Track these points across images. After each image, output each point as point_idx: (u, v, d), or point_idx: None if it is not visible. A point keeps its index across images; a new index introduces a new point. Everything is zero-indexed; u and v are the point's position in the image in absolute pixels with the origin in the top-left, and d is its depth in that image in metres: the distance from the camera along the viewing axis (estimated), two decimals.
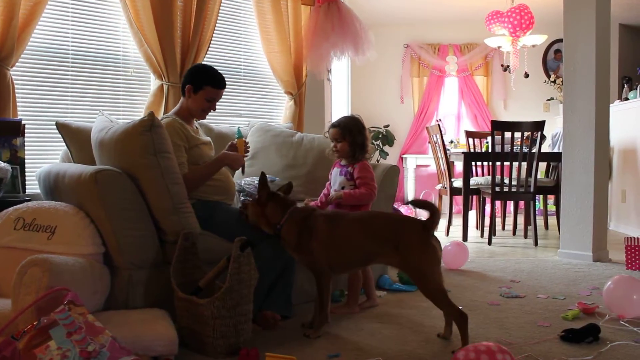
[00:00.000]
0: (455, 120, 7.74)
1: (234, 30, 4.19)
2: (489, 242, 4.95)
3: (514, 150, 4.88)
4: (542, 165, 5.57)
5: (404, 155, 7.57)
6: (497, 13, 5.87)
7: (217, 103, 2.96)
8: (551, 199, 6.38)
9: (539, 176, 5.01)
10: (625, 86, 6.21)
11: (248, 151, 3.01)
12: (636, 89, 5.81)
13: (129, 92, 3.61)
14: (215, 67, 2.92)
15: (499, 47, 6.26)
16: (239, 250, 2.23)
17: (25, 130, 3.00)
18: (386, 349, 2.31)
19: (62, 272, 2.06)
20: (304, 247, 2.47)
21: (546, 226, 5.96)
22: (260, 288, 2.48)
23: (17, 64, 3.03)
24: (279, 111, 4.47)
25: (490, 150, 4.91)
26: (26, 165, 2.97)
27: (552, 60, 7.67)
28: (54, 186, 2.68)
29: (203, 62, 3.76)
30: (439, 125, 5.51)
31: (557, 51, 7.55)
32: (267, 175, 2.59)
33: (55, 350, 1.75)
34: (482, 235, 5.26)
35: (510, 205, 6.23)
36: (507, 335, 2.47)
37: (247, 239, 2.28)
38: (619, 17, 6.78)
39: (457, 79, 7.68)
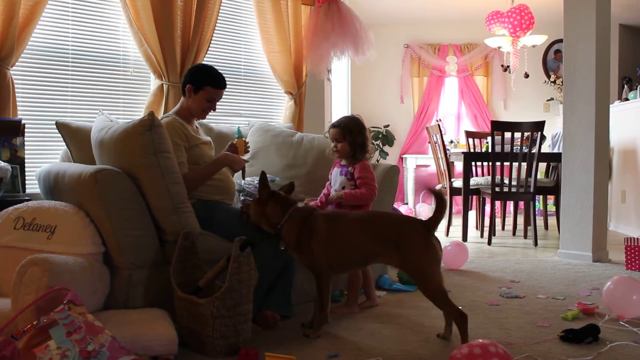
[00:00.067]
0: (455, 120, 7.74)
1: (234, 30, 4.19)
2: (489, 242, 4.96)
3: (514, 151, 4.88)
4: (542, 166, 5.57)
5: (404, 155, 7.57)
6: (497, 13, 5.87)
7: (217, 103, 2.96)
8: (551, 199, 6.38)
9: (538, 176, 5.01)
10: (625, 86, 6.21)
11: (248, 151, 3.01)
12: (636, 89, 5.82)
13: (129, 92, 3.61)
14: (215, 67, 2.92)
15: (499, 48, 6.26)
16: (238, 250, 2.23)
17: (25, 130, 3.00)
18: (386, 349, 2.31)
19: (62, 271, 2.06)
20: (304, 247, 2.47)
21: (546, 226, 5.96)
22: (260, 288, 2.48)
23: (17, 63, 3.03)
24: (279, 111, 4.47)
25: (490, 150, 4.91)
26: (26, 164, 2.97)
27: (552, 60, 7.68)
28: (54, 186, 2.68)
29: (203, 62, 3.75)
30: (439, 125, 5.51)
31: (557, 51, 7.56)
32: (267, 175, 2.59)
33: (55, 350, 1.75)
34: (481, 236, 5.27)
35: (510, 205, 6.23)
36: (506, 336, 2.47)
37: (247, 239, 2.28)
38: (619, 17, 6.78)
39: (457, 79, 7.68)
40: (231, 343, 2.24)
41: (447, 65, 7.62)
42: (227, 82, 2.93)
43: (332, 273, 2.52)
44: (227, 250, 2.33)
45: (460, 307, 2.32)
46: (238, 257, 2.23)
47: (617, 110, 5.73)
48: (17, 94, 3.03)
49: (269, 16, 4.22)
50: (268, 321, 2.55)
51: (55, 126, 2.93)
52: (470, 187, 5.25)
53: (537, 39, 6.02)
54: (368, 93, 7.50)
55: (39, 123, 3.22)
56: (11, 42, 2.92)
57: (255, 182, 3.24)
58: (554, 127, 6.77)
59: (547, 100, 7.52)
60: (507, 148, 4.84)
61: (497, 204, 5.92)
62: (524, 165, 4.85)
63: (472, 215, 5.91)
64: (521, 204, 6.12)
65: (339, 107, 6.23)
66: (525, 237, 5.28)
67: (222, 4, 3.90)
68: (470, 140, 5.98)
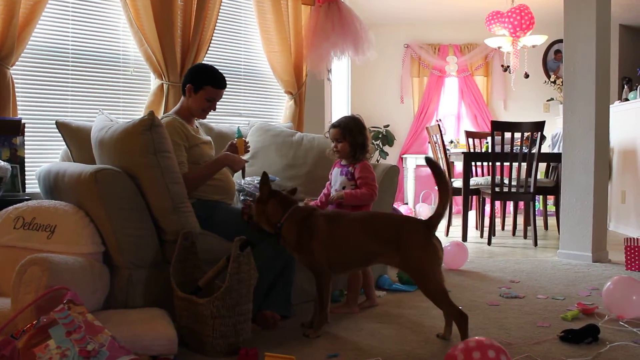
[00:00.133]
0: (455, 120, 7.74)
1: (234, 30, 4.19)
2: (489, 243, 4.96)
3: (514, 151, 4.88)
4: (542, 166, 5.57)
5: (404, 155, 7.57)
6: (497, 13, 5.87)
7: (218, 103, 2.96)
8: (551, 199, 6.38)
9: (538, 176, 5.02)
10: (625, 87, 6.21)
11: (248, 151, 3.01)
12: (636, 89, 5.82)
13: (129, 92, 3.61)
14: (215, 67, 2.92)
15: (499, 48, 6.26)
16: (238, 250, 2.23)
17: (25, 129, 3.00)
18: (385, 349, 2.31)
19: (62, 271, 2.06)
20: (304, 247, 2.47)
21: (546, 226, 5.96)
22: (260, 288, 2.48)
23: (17, 63, 3.03)
24: (279, 111, 4.47)
25: (490, 150, 4.91)
26: (26, 164, 2.96)
27: (552, 60, 7.68)
28: (54, 185, 2.68)
29: (204, 62, 3.75)
30: (438, 125, 5.51)
31: (557, 52, 7.56)
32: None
33: (55, 350, 1.75)
34: (481, 236, 5.26)
35: (510, 205, 6.23)
36: (506, 336, 2.47)
37: (247, 239, 2.28)
38: (619, 17, 6.78)
39: (457, 79, 7.68)
40: (231, 343, 2.24)
41: (447, 65, 7.62)
42: (227, 82, 2.93)
43: (332, 273, 2.52)
44: (227, 250, 2.33)
45: (460, 307, 2.32)
46: (238, 257, 2.23)
47: (617, 111, 5.73)
48: (17, 94, 3.03)
49: (269, 16, 4.22)
50: (268, 321, 2.55)
51: (55, 126, 2.93)
52: (470, 187, 5.25)
53: (537, 39, 6.02)
54: (368, 93, 7.49)
55: (39, 122, 3.22)
56: (11, 41, 2.92)
57: (255, 182, 3.24)
58: (554, 127, 6.77)
59: (547, 101, 7.52)
60: (507, 148, 4.84)
61: (497, 204, 5.93)
62: (524, 165, 4.85)
63: (472, 215, 5.91)
64: (521, 204, 6.13)
65: (339, 107, 6.22)
66: (525, 237, 5.28)
67: (222, 4, 3.90)
68: (470, 140, 5.98)
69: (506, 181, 4.92)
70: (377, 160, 6.91)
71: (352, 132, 2.79)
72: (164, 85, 3.56)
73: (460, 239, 4.96)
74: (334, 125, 2.84)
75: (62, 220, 2.39)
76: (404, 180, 7.43)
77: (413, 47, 7.64)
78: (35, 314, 1.88)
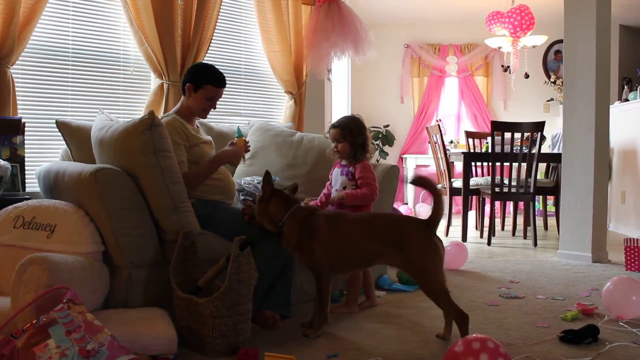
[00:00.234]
0: (455, 120, 7.74)
1: (235, 30, 4.19)
2: (489, 243, 4.96)
3: (514, 151, 4.88)
4: (542, 166, 5.57)
5: (404, 155, 7.57)
6: (497, 13, 5.88)
7: (217, 102, 2.96)
8: (551, 199, 6.38)
9: (538, 177, 5.02)
10: (625, 87, 6.21)
11: (248, 150, 3.01)
12: (636, 90, 5.82)
13: (129, 91, 3.61)
14: (215, 66, 2.92)
15: (499, 48, 6.27)
16: (238, 250, 2.23)
17: (25, 129, 2.99)
18: (385, 349, 2.31)
19: (62, 270, 2.06)
20: (304, 247, 2.47)
21: (545, 227, 5.96)
22: (260, 287, 2.48)
23: (17, 62, 3.03)
24: (279, 111, 4.47)
25: (490, 150, 4.91)
26: (26, 163, 2.96)
27: (552, 61, 7.68)
28: (54, 184, 2.68)
29: (203, 61, 3.75)
30: (438, 125, 5.51)
31: (558, 52, 7.56)
32: None
33: (54, 349, 1.75)
34: (481, 236, 5.27)
35: (510, 205, 6.23)
36: (506, 336, 2.47)
37: (247, 239, 2.28)
38: (619, 18, 6.78)
39: (457, 79, 7.68)
40: (230, 342, 2.24)
41: (447, 66, 7.62)
42: (227, 82, 2.93)
43: (333, 273, 2.52)
44: (227, 249, 2.33)
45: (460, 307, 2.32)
46: (238, 257, 2.23)
47: (617, 111, 5.73)
48: (17, 93, 3.03)
49: (270, 16, 4.22)
50: (267, 321, 2.55)
51: (55, 125, 2.93)
52: (470, 188, 5.25)
53: (537, 40, 6.02)
54: (368, 93, 7.50)
55: (39, 122, 3.22)
56: (11, 40, 2.91)
57: (255, 181, 3.24)
58: (554, 128, 6.77)
59: (547, 101, 7.52)
60: (507, 148, 4.84)
61: (497, 204, 5.93)
62: (524, 165, 4.85)
63: (471, 215, 5.91)
64: (521, 204, 6.13)
65: (339, 107, 6.22)
66: (525, 237, 5.28)
67: (222, 4, 3.90)
68: (470, 140, 5.98)
69: (506, 181, 4.92)
70: (377, 160, 6.91)
71: (352, 132, 2.79)
72: (164, 84, 3.56)
73: (460, 239, 4.96)
74: (334, 126, 2.85)
75: (62, 220, 2.39)
76: (404, 180, 7.42)
77: (413, 47, 7.64)
78: (35, 313, 1.88)
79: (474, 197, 5.73)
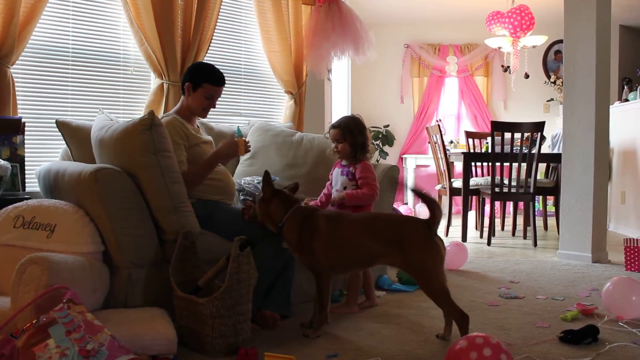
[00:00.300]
0: (455, 120, 7.74)
1: (235, 30, 4.19)
2: (488, 243, 4.96)
3: (514, 151, 4.88)
4: (542, 166, 5.57)
5: (404, 156, 7.57)
6: (497, 13, 5.87)
7: (217, 102, 2.96)
8: (551, 199, 6.38)
9: (538, 177, 5.02)
10: (625, 87, 6.21)
11: (249, 150, 3.01)
12: (636, 90, 5.82)
13: (129, 91, 3.61)
14: (214, 65, 2.92)
15: (499, 48, 6.27)
16: (238, 250, 2.23)
17: (25, 128, 2.99)
18: (385, 349, 2.31)
19: (61, 270, 2.06)
20: (304, 247, 2.47)
21: (545, 227, 5.96)
22: (260, 287, 2.48)
23: (17, 62, 3.03)
24: (279, 111, 4.47)
25: (490, 150, 4.91)
26: (26, 163, 2.96)
27: (552, 61, 7.68)
28: (54, 184, 2.68)
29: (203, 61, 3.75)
30: (438, 125, 5.51)
31: (558, 52, 7.56)
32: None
33: (54, 349, 1.75)
34: (481, 236, 5.26)
35: (510, 205, 6.23)
36: (506, 336, 2.47)
37: (247, 239, 2.28)
38: (619, 18, 6.78)
39: (457, 79, 7.68)
40: (230, 342, 2.24)
41: (447, 66, 7.62)
42: (227, 82, 2.94)
43: (333, 274, 2.52)
44: (227, 249, 2.33)
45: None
46: (237, 257, 2.23)
47: (617, 111, 5.73)
48: (17, 93, 3.03)
49: (270, 16, 4.22)
50: (267, 321, 2.55)
51: (55, 125, 2.93)
52: (470, 188, 5.25)
53: (537, 40, 6.02)
54: (368, 93, 7.49)
55: (39, 121, 3.22)
56: (11, 40, 2.91)
57: (256, 181, 3.24)
58: (553, 128, 6.77)
59: (547, 101, 7.52)
60: (507, 148, 4.84)
61: (497, 204, 5.92)
62: (524, 165, 4.85)
63: (471, 215, 5.91)
64: (521, 204, 6.12)
65: (339, 107, 6.22)
66: (525, 237, 5.28)
67: (222, 3, 3.90)
68: (470, 140, 5.98)
69: (506, 181, 4.92)
70: (377, 160, 6.91)
71: (352, 132, 2.79)
72: (164, 84, 3.56)
73: (460, 239, 4.96)
74: (334, 126, 2.85)
75: (61, 220, 2.39)
76: (404, 180, 7.42)
77: (413, 47, 7.64)
78: (35, 313, 1.88)
79: (474, 197, 5.73)
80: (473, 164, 5.80)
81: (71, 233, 2.36)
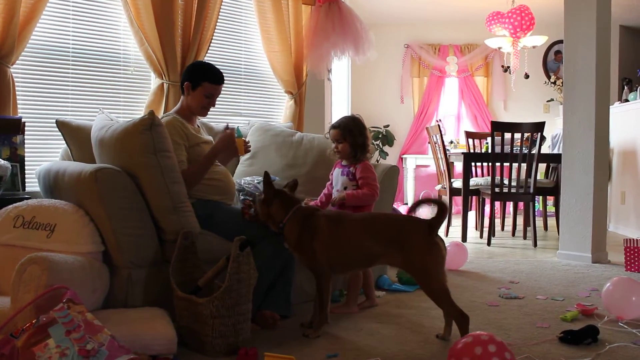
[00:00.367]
0: (455, 120, 7.75)
1: (235, 30, 4.19)
2: (488, 243, 4.96)
3: (514, 151, 4.88)
4: (542, 167, 5.57)
5: (404, 156, 7.57)
6: (497, 14, 5.88)
7: (217, 102, 2.96)
8: (551, 200, 6.38)
9: (538, 177, 5.02)
10: (625, 88, 6.21)
11: (249, 150, 3.01)
12: (636, 90, 5.82)
13: (129, 91, 3.61)
14: (212, 63, 2.92)
15: (499, 48, 6.27)
16: (238, 250, 2.23)
17: (25, 128, 2.99)
18: (385, 349, 2.31)
19: (61, 270, 2.06)
20: (305, 247, 2.47)
21: (545, 227, 5.96)
22: (260, 287, 2.48)
23: (17, 61, 3.03)
24: (279, 111, 4.47)
25: (490, 151, 4.91)
26: (26, 163, 2.96)
27: (552, 61, 7.68)
28: (54, 184, 2.68)
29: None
30: (438, 125, 5.51)
31: (558, 52, 7.56)
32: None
33: (54, 349, 1.75)
34: (481, 236, 5.26)
35: (510, 206, 6.23)
36: (505, 336, 2.47)
37: (247, 239, 2.28)
38: (619, 18, 6.78)
39: (457, 80, 7.68)
40: (230, 342, 2.24)
41: (448, 66, 7.62)
42: (227, 82, 2.94)
43: (333, 274, 2.52)
44: (227, 249, 2.33)
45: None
46: (237, 257, 2.23)
47: (617, 112, 5.73)
48: (17, 92, 3.03)
49: (270, 16, 4.22)
50: (267, 321, 2.55)
51: (55, 124, 2.93)
52: (470, 188, 5.25)
53: (537, 40, 6.02)
54: (368, 93, 7.50)
55: (39, 121, 3.22)
56: (12, 40, 2.91)
57: (255, 181, 3.24)
58: (554, 128, 6.77)
59: (547, 101, 7.52)
60: (507, 149, 4.84)
61: (497, 204, 5.93)
62: (524, 166, 4.85)
63: (471, 215, 5.91)
64: (521, 204, 6.13)
65: (339, 107, 6.22)
66: (525, 237, 5.28)
67: (222, 3, 3.90)
68: (470, 140, 5.98)
69: (506, 182, 4.92)
70: (377, 161, 6.91)
71: (352, 132, 2.79)
72: (164, 84, 3.56)
73: (459, 240, 4.96)
74: (334, 126, 2.85)
75: (61, 219, 2.39)
76: (404, 180, 7.43)
77: (413, 47, 7.64)
78: (35, 313, 1.88)
79: (474, 197, 5.73)
80: (473, 164, 5.80)
81: (71, 233, 2.36)
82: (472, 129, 7.32)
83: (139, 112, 3.58)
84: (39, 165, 2.99)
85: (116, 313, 2.27)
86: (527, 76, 6.44)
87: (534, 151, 4.82)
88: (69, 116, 3.25)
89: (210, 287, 2.38)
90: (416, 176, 7.34)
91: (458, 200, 6.14)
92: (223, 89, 2.97)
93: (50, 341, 1.76)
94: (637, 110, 5.56)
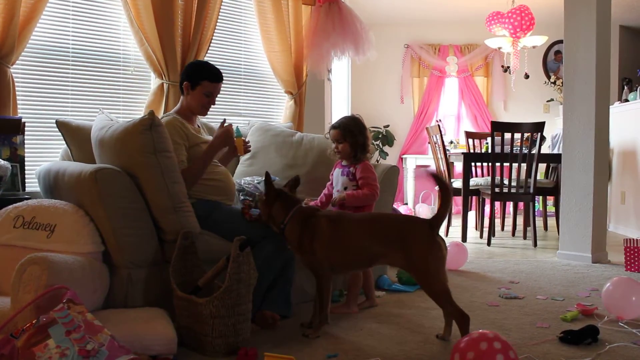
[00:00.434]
0: (455, 120, 7.74)
1: (235, 30, 4.19)
2: (488, 243, 4.96)
3: (514, 151, 4.88)
4: (542, 167, 5.57)
5: (404, 156, 7.57)
6: (497, 14, 5.88)
7: (217, 102, 2.96)
8: (550, 200, 6.38)
9: (538, 177, 5.02)
10: (625, 88, 6.21)
11: (249, 150, 3.01)
12: (636, 90, 5.82)
13: (130, 91, 3.61)
14: (211, 62, 2.92)
15: (499, 48, 6.27)
16: (238, 250, 2.23)
17: (25, 128, 2.99)
18: (385, 349, 2.31)
19: (61, 270, 2.06)
20: (305, 247, 2.47)
21: (545, 227, 5.96)
22: (260, 287, 2.48)
23: (17, 61, 3.03)
24: (279, 111, 4.47)
25: (490, 151, 4.91)
26: (26, 163, 2.96)
27: (552, 61, 7.68)
28: (54, 184, 2.68)
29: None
30: (438, 125, 5.51)
31: (558, 52, 7.56)
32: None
33: (54, 349, 1.75)
34: (481, 236, 5.26)
35: (510, 206, 6.24)
36: (506, 336, 2.45)
37: (247, 239, 2.28)
38: (619, 18, 6.78)
39: (457, 80, 7.68)
40: (230, 342, 2.24)
41: (448, 66, 7.62)
42: (227, 82, 2.94)
43: (334, 274, 2.52)
44: (227, 249, 2.33)
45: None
46: (237, 257, 2.23)
47: (617, 112, 5.73)
48: (17, 93, 3.03)
49: (270, 16, 4.22)
50: (267, 321, 2.55)
51: (55, 125, 2.93)
52: (470, 188, 5.25)
53: (537, 40, 6.02)
54: (368, 93, 7.49)
55: (39, 121, 3.22)
56: (12, 40, 2.91)
57: (255, 181, 3.24)
58: (554, 128, 6.77)
59: (547, 101, 7.52)
60: (507, 149, 4.84)
61: (497, 204, 5.93)
62: (524, 166, 4.85)
63: (471, 215, 5.91)
64: (521, 204, 6.13)
65: (339, 107, 6.22)
66: (525, 237, 5.28)
67: (222, 3, 3.90)
68: (470, 140, 5.98)
69: (506, 182, 4.92)
70: (377, 161, 6.91)
71: (352, 132, 2.79)
72: (164, 84, 3.56)
73: (459, 240, 4.96)
74: (334, 127, 2.85)
75: (61, 220, 2.39)
76: (404, 180, 7.43)
77: (413, 47, 7.64)
78: (35, 313, 1.88)
79: (474, 197, 5.73)
80: (473, 164, 5.80)
81: (71, 233, 2.36)
82: (472, 129, 7.32)
83: (139, 112, 3.58)
84: (39, 165, 2.99)
85: (116, 313, 2.27)
86: (527, 76, 6.44)
87: (534, 151, 4.82)
88: (69, 116, 3.25)
89: (210, 287, 2.38)
90: (416, 176, 7.34)
91: (458, 200, 6.13)
92: (223, 89, 2.97)
93: (50, 341, 1.76)
94: (637, 110, 5.57)
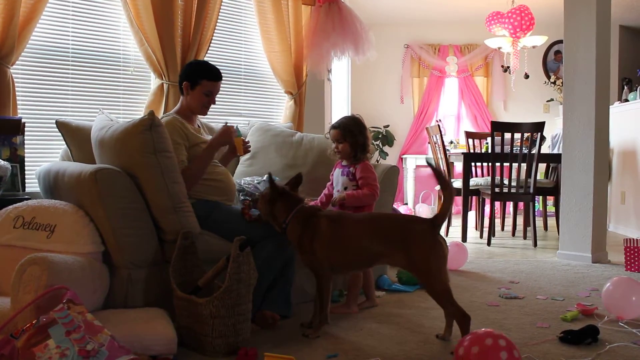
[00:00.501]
0: (455, 120, 7.75)
1: (235, 30, 4.19)
2: (488, 243, 4.96)
3: (514, 151, 4.89)
4: (542, 167, 5.57)
5: (404, 156, 7.57)
6: (497, 14, 5.88)
7: (217, 101, 2.96)
8: (550, 200, 6.38)
9: (538, 177, 5.02)
10: (625, 88, 6.21)
11: (249, 150, 3.01)
12: (636, 90, 5.82)
13: (129, 91, 3.61)
14: (210, 62, 2.92)
15: (499, 48, 6.27)
16: (238, 250, 2.23)
17: (25, 129, 2.99)
18: (385, 349, 2.31)
19: (61, 270, 2.06)
20: (306, 247, 2.47)
21: (545, 227, 5.96)
22: (260, 287, 2.48)
23: (17, 62, 3.03)
24: (279, 111, 4.47)
25: (490, 151, 4.91)
26: (26, 163, 2.96)
27: (552, 61, 7.68)
28: (54, 185, 2.68)
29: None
30: (438, 125, 5.51)
31: (558, 52, 7.56)
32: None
33: (54, 349, 1.75)
34: (481, 236, 5.26)
35: (510, 206, 6.24)
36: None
37: (247, 239, 2.28)
38: (619, 18, 6.78)
39: (457, 80, 7.68)
40: (230, 342, 2.24)
41: (447, 66, 7.62)
42: (227, 82, 2.94)
43: (334, 274, 2.52)
44: (227, 249, 2.33)
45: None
46: (237, 257, 2.23)
47: (617, 112, 5.73)
48: (17, 93, 3.03)
49: (270, 16, 4.22)
50: (267, 321, 2.55)
51: (55, 125, 2.93)
52: (470, 188, 5.26)
53: (537, 40, 6.02)
54: (368, 93, 7.50)
55: (39, 122, 3.22)
56: (11, 40, 2.91)
57: (255, 181, 3.24)
58: (553, 128, 6.77)
59: (547, 101, 7.52)
60: (507, 149, 4.84)
61: (497, 204, 5.93)
62: (524, 166, 4.85)
63: (471, 215, 5.91)
64: (521, 204, 6.13)
65: (339, 107, 6.22)
66: (525, 237, 5.28)
67: (222, 4, 3.90)
68: (470, 140, 5.99)
69: (506, 182, 4.92)
70: (377, 161, 6.91)
71: (352, 132, 2.79)
72: (164, 85, 3.56)
73: (459, 240, 4.96)
74: (334, 126, 2.85)
75: (61, 220, 2.39)
76: (404, 180, 7.43)
77: (413, 47, 7.64)
78: (35, 313, 1.88)
79: (474, 197, 5.73)
80: (473, 164, 5.80)
81: (71, 233, 2.36)
82: (472, 129, 7.32)
83: (139, 113, 3.58)
84: (39, 165, 2.99)
85: (116, 313, 2.27)
86: (527, 76, 6.44)
87: (534, 151, 4.82)
88: (69, 116, 3.25)
89: (210, 287, 2.38)
90: (416, 176, 7.34)
91: (458, 200, 6.13)
92: (223, 89, 2.97)
93: (50, 342, 1.76)
94: (636, 110, 5.57)
